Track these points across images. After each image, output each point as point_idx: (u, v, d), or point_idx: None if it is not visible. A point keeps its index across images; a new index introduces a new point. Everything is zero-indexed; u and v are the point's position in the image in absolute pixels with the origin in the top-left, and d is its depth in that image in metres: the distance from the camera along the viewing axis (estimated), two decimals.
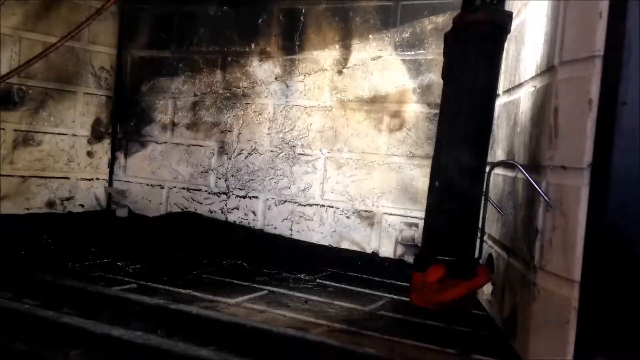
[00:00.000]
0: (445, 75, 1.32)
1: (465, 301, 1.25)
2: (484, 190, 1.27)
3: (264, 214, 2.23)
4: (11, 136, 2.16)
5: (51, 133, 2.29)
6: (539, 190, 0.96)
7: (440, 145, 1.30)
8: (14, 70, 1.99)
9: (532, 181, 0.98)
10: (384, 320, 1.28)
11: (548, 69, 1.04)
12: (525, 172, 1.01)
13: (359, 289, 1.57)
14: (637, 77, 0.82)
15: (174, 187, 2.41)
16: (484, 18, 1.24)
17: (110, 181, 2.54)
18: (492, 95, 1.29)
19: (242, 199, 2.27)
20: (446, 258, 1.23)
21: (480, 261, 1.32)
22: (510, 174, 1.29)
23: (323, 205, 2.12)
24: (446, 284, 1.20)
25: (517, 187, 1.22)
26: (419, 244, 1.76)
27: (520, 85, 1.31)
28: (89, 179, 2.46)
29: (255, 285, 1.50)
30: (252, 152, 2.26)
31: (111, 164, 2.54)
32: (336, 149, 2.11)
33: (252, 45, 2.27)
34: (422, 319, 1.28)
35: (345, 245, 2.09)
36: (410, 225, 1.97)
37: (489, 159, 1.35)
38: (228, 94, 2.32)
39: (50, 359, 1.04)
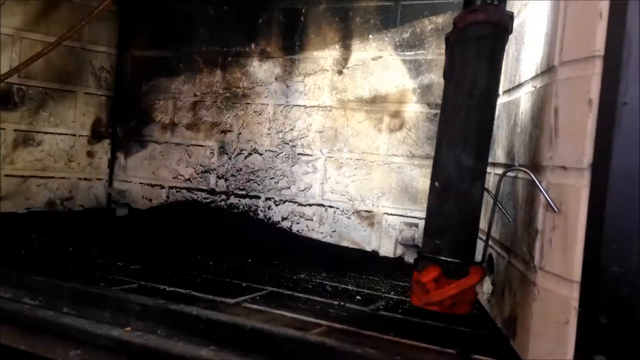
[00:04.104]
0: (446, 75, 1.32)
1: (464, 304, 1.24)
2: (494, 195, 1.26)
3: (264, 213, 2.23)
4: (11, 136, 2.16)
5: (51, 133, 2.29)
6: (548, 199, 0.95)
7: (441, 146, 1.29)
8: (12, 70, 1.99)
9: (543, 191, 0.98)
10: (384, 320, 1.28)
11: (548, 69, 1.04)
12: (537, 181, 1.00)
13: (359, 289, 1.56)
14: (637, 77, 0.82)
15: (174, 187, 2.42)
16: (485, 18, 1.24)
17: (110, 181, 2.54)
18: (493, 95, 1.29)
19: (242, 198, 2.27)
20: (442, 258, 1.22)
21: (482, 265, 1.32)
22: (510, 173, 1.29)
23: (323, 205, 2.12)
24: (442, 284, 1.20)
25: (517, 187, 1.22)
26: (419, 244, 1.76)
27: (520, 85, 1.31)
28: (89, 179, 2.46)
29: (255, 285, 1.50)
30: (252, 152, 2.26)
31: (111, 164, 2.54)
32: (336, 149, 2.11)
33: (252, 45, 2.27)
34: (422, 319, 1.27)
35: (345, 245, 2.09)
36: (410, 225, 1.97)
37: (489, 159, 1.35)
38: (228, 94, 2.32)
39: (50, 359, 1.04)
